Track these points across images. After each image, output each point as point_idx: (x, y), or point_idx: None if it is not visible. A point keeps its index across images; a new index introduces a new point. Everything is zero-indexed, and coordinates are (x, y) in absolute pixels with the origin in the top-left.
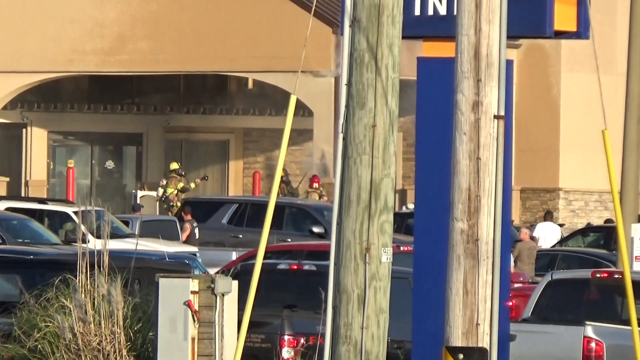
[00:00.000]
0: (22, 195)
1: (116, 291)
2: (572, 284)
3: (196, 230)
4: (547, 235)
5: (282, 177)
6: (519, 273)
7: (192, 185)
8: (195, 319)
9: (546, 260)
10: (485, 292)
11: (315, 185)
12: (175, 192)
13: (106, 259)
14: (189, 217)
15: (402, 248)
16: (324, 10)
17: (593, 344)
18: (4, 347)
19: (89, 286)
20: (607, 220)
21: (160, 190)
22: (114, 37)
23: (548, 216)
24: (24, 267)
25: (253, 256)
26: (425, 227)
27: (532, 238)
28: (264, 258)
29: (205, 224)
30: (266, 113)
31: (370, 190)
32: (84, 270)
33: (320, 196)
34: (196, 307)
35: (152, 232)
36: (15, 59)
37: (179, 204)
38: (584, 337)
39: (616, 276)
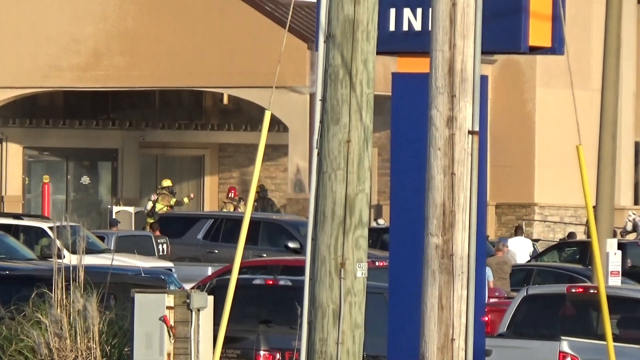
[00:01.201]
0: None
1: (92, 306)
2: (548, 299)
3: (165, 246)
4: (518, 250)
5: (258, 192)
6: (494, 288)
7: (186, 200)
8: (171, 334)
9: (521, 275)
10: (461, 307)
11: (231, 195)
12: (166, 208)
13: (82, 274)
14: (157, 233)
15: (377, 263)
16: (299, 25)
17: (569, 359)
18: None
19: (64, 301)
20: (570, 235)
21: (150, 204)
22: (90, 52)
23: (519, 231)
24: None
25: (228, 271)
26: (401, 242)
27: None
28: (240, 273)
29: (181, 239)
30: (241, 128)
31: (345, 205)
32: (60, 286)
33: (235, 207)
34: (172, 322)
35: (127, 247)
36: None
37: None
38: (560, 352)
39: (591, 291)
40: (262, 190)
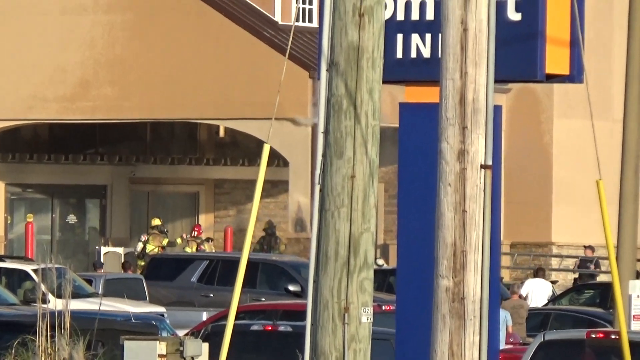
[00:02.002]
0: None
1: (79, 355)
2: (566, 345)
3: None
4: (537, 293)
5: (266, 229)
6: (509, 334)
7: (179, 240)
8: None
9: (538, 319)
10: (473, 354)
11: (195, 233)
12: (157, 249)
13: (68, 320)
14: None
15: (383, 307)
16: (300, 53)
17: None
18: None
19: (49, 349)
20: (582, 261)
21: (140, 246)
22: (77, 82)
23: (540, 272)
24: None
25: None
26: (408, 284)
27: (520, 296)
28: (237, 318)
29: (174, 282)
30: (238, 163)
31: (349, 245)
32: (44, 332)
33: (199, 246)
34: None
35: (116, 291)
36: None
37: None
38: None
39: (613, 337)
40: (269, 227)
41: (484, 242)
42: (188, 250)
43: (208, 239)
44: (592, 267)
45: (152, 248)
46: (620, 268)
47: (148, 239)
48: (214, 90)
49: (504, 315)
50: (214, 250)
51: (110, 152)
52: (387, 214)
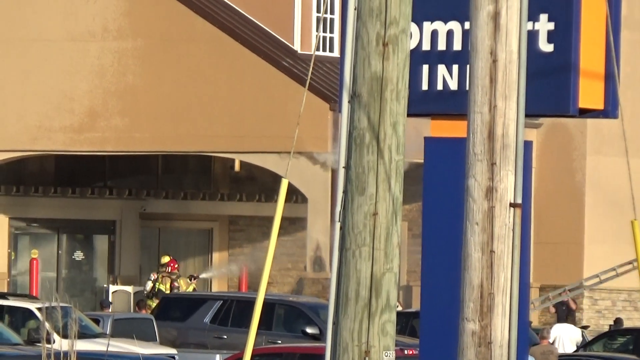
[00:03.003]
0: None
1: None
2: None
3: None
4: (565, 338)
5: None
6: None
7: (182, 282)
8: None
9: None
10: None
11: (169, 269)
12: (168, 290)
13: None
14: (144, 312)
15: (406, 352)
16: (320, 83)
17: None
18: None
19: None
20: (617, 321)
21: (149, 285)
22: (85, 112)
23: (569, 317)
24: None
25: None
26: (432, 327)
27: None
28: None
29: (186, 322)
30: (254, 199)
31: (371, 286)
32: None
33: (172, 281)
34: None
35: (125, 331)
36: None
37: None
38: None
39: None
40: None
41: (512, 284)
42: (161, 287)
43: (191, 277)
44: None
45: (162, 287)
46: None
47: (158, 277)
48: (229, 122)
49: None
50: (192, 289)
51: (120, 185)
52: (411, 253)
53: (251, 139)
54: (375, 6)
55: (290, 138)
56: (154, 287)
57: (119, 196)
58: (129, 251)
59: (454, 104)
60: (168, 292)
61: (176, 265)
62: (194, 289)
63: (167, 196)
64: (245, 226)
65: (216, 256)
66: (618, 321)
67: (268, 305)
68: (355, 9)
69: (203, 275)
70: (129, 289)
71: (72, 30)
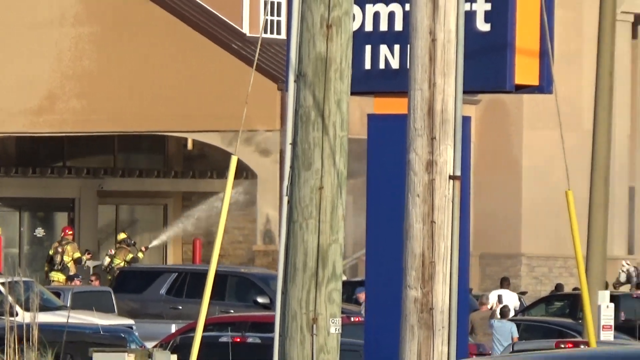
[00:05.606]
0: None
1: None
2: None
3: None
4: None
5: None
6: (476, 344)
7: (140, 255)
8: None
9: None
10: None
11: (62, 235)
12: (123, 263)
13: (36, 333)
14: (97, 283)
15: (352, 319)
16: (268, 64)
17: None
18: None
19: None
20: (557, 286)
21: (107, 260)
22: (44, 95)
23: (505, 283)
24: None
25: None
26: (377, 295)
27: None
28: (205, 330)
29: (143, 294)
30: (207, 176)
31: (318, 256)
32: (12, 346)
33: (62, 247)
34: None
35: (85, 304)
36: None
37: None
38: None
39: (582, 347)
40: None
41: (452, 253)
42: (117, 261)
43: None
44: None
45: (118, 262)
46: (590, 278)
47: (115, 252)
48: (182, 103)
49: (510, 327)
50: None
51: (78, 165)
52: (356, 225)
53: (203, 119)
54: None
55: (240, 117)
56: (111, 261)
57: (77, 175)
58: (88, 227)
59: (395, 82)
60: (123, 265)
61: (70, 232)
62: (132, 258)
63: (123, 174)
64: (198, 202)
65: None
66: (559, 287)
67: (220, 276)
68: None
69: (154, 243)
70: (89, 263)
71: (31, 17)
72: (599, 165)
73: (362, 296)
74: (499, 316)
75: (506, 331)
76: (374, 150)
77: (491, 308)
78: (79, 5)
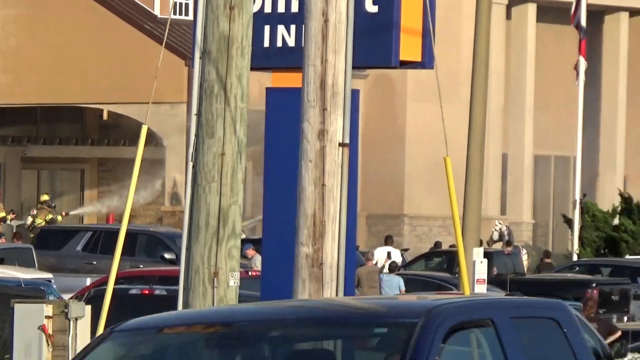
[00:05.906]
0: None
1: None
2: None
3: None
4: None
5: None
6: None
7: (59, 218)
8: (49, 343)
9: None
10: None
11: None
12: (44, 222)
13: None
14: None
15: (250, 273)
16: (177, 43)
17: None
18: None
19: None
20: (436, 244)
21: (29, 219)
22: None
23: (389, 240)
24: None
25: (106, 282)
26: (273, 252)
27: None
28: (117, 283)
29: (61, 251)
30: (120, 143)
31: (219, 216)
32: None
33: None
34: (50, 331)
35: (8, 259)
36: None
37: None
38: None
39: None
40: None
41: (341, 213)
42: (38, 220)
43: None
44: None
45: (39, 222)
46: (466, 236)
47: (37, 213)
48: (99, 78)
49: (397, 280)
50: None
51: (3, 134)
52: (255, 189)
53: (117, 92)
54: None
55: (151, 90)
56: (33, 221)
57: (3, 143)
58: (12, 190)
59: (291, 59)
60: (44, 224)
61: None
62: (52, 219)
63: (45, 142)
64: (113, 167)
65: (87, 193)
66: (437, 244)
67: (131, 234)
68: None
69: (74, 212)
70: (13, 222)
71: None
72: (474, 134)
73: (249, 252)
74: (387, 270)
75: (394, 284)
76: (272, 121)
77: (376, 263)
78: None
